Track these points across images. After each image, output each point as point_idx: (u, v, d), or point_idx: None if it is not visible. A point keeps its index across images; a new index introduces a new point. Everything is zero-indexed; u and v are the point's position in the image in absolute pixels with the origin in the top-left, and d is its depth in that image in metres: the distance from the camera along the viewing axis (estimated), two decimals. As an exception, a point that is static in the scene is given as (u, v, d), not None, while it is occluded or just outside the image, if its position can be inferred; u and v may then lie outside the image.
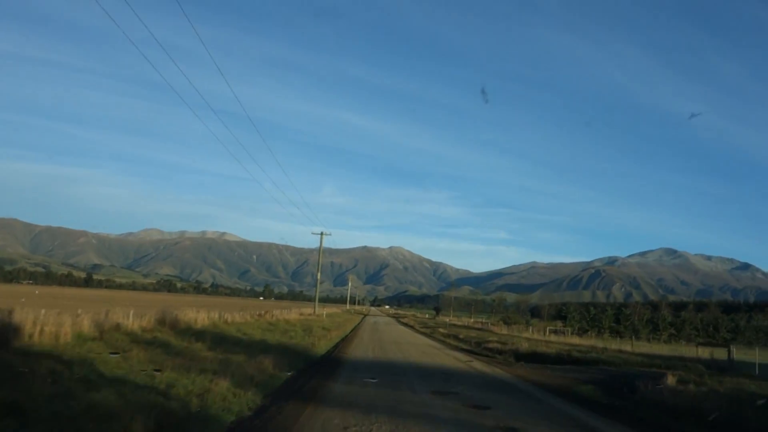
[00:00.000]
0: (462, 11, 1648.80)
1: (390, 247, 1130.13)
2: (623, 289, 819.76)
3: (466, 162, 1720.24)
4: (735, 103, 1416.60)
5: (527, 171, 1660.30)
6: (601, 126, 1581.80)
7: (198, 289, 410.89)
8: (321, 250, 71.05)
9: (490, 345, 38.99)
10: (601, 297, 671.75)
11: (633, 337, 56.26)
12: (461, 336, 50.59)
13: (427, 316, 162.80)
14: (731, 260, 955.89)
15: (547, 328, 76.34)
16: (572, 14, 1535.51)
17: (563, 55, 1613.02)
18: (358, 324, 70.65)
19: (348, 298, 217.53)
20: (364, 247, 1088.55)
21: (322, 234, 72.14)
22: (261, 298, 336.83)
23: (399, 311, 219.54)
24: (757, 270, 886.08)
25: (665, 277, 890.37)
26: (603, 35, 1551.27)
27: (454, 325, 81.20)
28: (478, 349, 37.16)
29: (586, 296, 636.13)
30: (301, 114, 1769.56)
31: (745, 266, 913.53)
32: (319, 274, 75.64)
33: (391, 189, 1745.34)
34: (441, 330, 63.47)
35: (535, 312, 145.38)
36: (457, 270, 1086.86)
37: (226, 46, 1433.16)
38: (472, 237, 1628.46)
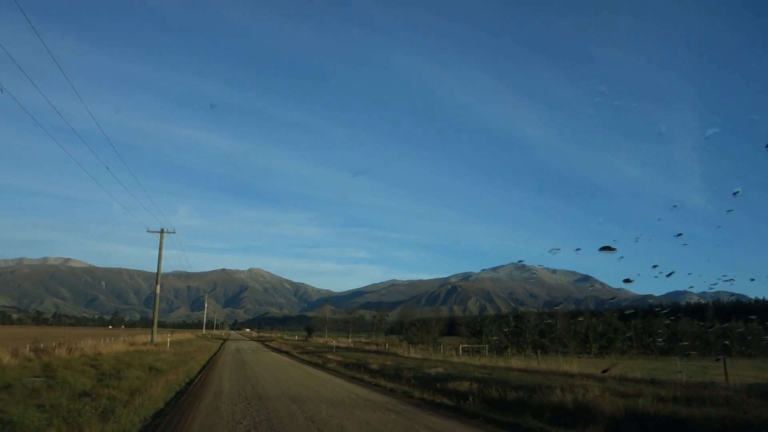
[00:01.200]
0: (319, 33, 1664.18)
1: (249, 269, 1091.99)
2: (478, 303, 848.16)
3: (324, 182, 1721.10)
4: (572, 126, 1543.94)
5: (386, 191, 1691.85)
6: (453, 147, 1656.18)
7: (37, 320, 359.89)
8: (161, 250, 49.99)
9: (460, 387, 19.82)
10: (457, 311, 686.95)
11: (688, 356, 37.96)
12: (373, 366, 32.17)
13: (297, 337, 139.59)
14: (573, 273, 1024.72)
15: (460, 346, 60.03)
16: (422, 40, 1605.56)
17: (416, 79, 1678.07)
18: (215, 354, 49.80)
19: (204, 322, 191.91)
20: (223, 270, 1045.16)
21: (162, 232, 52.68)
22: (110, 326, 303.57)
23: (263, 334, 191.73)
24: (596, 281, 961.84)
25: (516, 290, 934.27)
26: (452, 60, 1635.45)
27: (341, 347, 64.21)
28: (460, 401, 17.89)
29: (444, 311, 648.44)
30: (153, 133, 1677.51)
31: (586, 278, 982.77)
32: (158, 287, 54.57)
33: (249, 210, 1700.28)
34: (332, 356, 45.07)
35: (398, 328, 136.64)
36: (319, 290, 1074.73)
37: (68, 60, 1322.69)
38: (333, 257, 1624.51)
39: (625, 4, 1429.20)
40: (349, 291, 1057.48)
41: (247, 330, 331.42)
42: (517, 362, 32.44)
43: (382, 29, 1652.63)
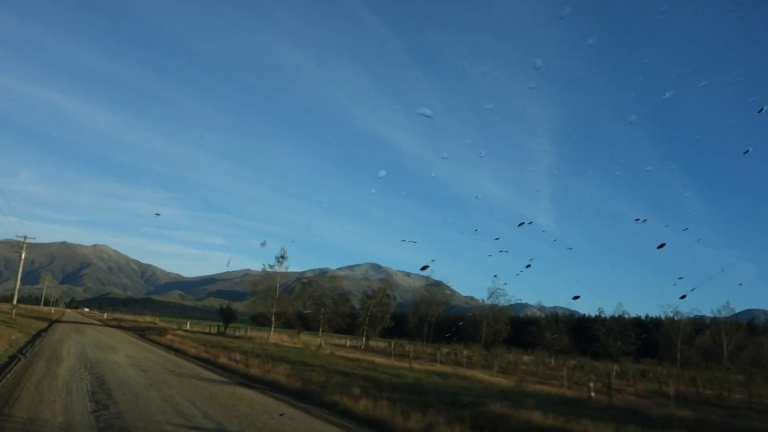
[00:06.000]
0: (194, 8, 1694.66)
1: (94, 245, 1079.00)
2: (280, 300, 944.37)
3: (187, 163, 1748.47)
4: (436, 134, 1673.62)
5: (249, 178, 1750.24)
6: (321, 142, 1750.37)
7: None
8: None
9: None
10: (260, 306, 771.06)
11: None
12: None
13: (186, 325, 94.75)
14: (427, 277, 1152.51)
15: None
16: (303, 33, 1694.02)
17: (289, 69, 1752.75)
18: None
19: (11, 296, 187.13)
20: (64, 243, 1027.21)
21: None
22: None
23: (115, 316, 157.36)
24: (447, 287, 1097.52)
25: (370, 290, 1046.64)
26: (330, 58, 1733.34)
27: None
28: None
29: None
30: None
31: (438, 283, 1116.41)
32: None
33: (99, 183, 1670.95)
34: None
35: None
36: (168, 273, 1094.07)
37: None
38: (187, 240, 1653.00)
39: (496, 28, 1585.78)
40: (200, 277, 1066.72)
41: (86, 309, 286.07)
42: None
43: (263, 16, 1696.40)
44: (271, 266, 74.92)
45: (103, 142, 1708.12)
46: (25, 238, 78.63)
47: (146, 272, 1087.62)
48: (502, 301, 78.96)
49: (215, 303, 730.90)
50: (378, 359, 43.37)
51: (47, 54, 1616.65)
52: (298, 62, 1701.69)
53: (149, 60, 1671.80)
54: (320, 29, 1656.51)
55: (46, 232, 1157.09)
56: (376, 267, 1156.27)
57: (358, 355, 47.68)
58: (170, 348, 40.47)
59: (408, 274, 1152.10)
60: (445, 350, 67.71)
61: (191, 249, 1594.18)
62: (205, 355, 33.19)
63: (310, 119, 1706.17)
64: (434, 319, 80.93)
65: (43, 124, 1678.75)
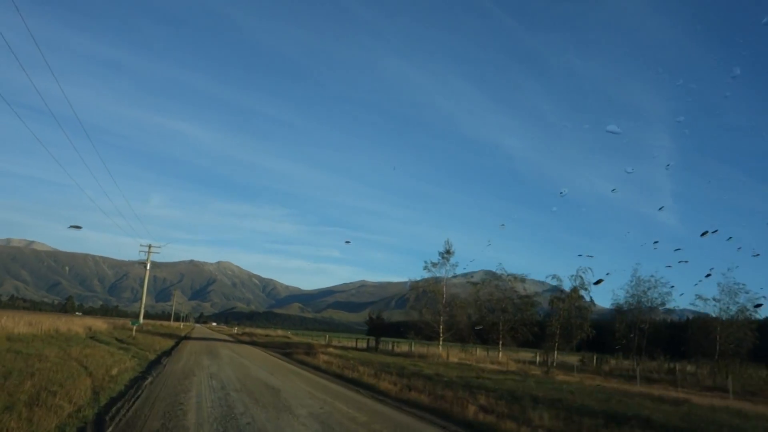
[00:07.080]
0: (305, 32, 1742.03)
1: (218, 262, 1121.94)
2: (449, 308, 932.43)
3: (302, 180, 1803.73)
4: (550, 140, 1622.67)
5: (361, 192, 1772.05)
6: (430, 151, 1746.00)
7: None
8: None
9: None
10: (426, 315, 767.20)
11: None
12: None
13: (324, 337, 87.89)
14: (543, 283, 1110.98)
15: None
16: (407, 45, 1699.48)
17: (398, 82, 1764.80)
18: None
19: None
20: (191, 262, 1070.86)
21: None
22: (77, 313, 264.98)
23: (245, 330, 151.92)
24: (565, 293, 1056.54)
25: (484, 297, 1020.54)
26: (434, 65, 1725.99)
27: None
28: None
29: (414, 315, 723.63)
30: (129, 119, 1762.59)
31: (554, 289, 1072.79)
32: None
33: (222, 203, 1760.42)
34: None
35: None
36: (287, 287, 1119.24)
37: (45, 38, 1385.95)
38: (305, 255, 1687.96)
39: (608, 22, 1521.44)
40: (318, 290, 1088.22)
41: (214, 324, 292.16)
42: None
43: (370, 32, 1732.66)
44: (434, 264, 59.89)
45: (225, 164, 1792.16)
46: (150, 247, 74.44)
47: (267, 286, 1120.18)
48: (743, 300, 54.00)
49: (333, 314, 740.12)
50: (657, 392, 29.84)
51: (176, 86, 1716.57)
52: (405, 73, 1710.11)
53: (264, 84, 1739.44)
54: (423, 42, 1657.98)
55: (175, 252, 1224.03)
56: (489, 273, 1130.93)
57: (623, 385, 33.53)
58: (341, 377, 27.59)
59: (523, 280, 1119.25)
60: (664, 366, 54.02)
61: (309, 263, 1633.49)
62: (424, 399, 19.43)
63: (418, 129, 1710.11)
64: (647, 326, 60.76)
65: (172, 150, 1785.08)
